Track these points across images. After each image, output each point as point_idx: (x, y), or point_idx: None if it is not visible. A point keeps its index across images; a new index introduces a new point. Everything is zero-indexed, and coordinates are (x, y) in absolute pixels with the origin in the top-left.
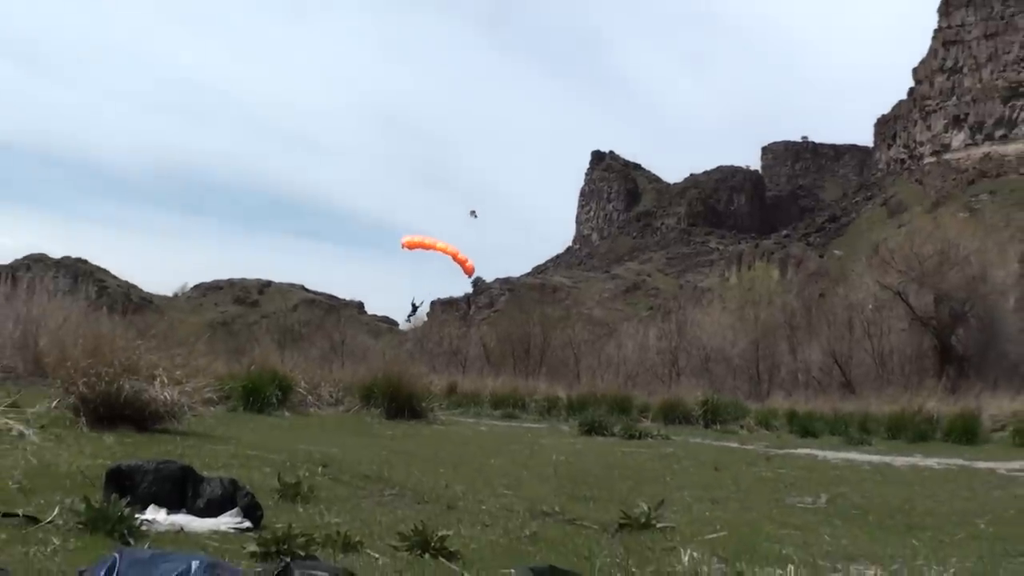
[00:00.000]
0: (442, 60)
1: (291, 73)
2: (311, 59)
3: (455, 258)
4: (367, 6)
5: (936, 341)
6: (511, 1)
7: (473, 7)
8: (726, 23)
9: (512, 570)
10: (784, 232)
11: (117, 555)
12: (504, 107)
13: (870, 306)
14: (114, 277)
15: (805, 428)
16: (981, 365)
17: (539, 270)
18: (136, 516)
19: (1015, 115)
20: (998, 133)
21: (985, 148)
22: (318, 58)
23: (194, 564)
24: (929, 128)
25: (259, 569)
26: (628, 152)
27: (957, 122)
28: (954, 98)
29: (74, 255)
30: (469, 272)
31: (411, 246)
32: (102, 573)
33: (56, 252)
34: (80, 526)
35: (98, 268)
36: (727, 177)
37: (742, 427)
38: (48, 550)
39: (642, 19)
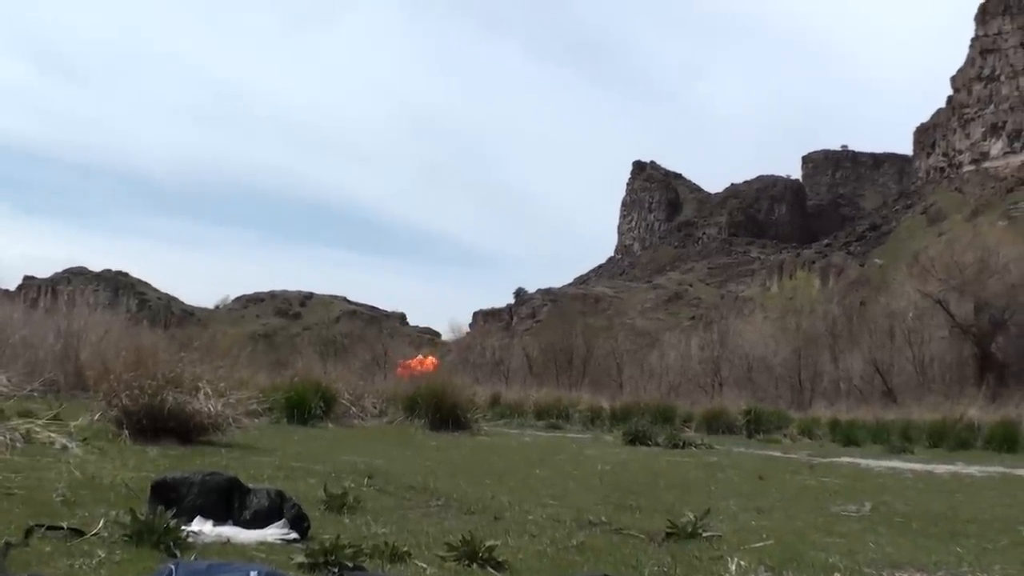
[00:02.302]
0: (483, 69)
1: (331, 81)
2: (350, 67)
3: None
4: (406, 15)
5: (976, 349)
6: (551, 9)
7: (512, 15)
8: (766, 32)
9: None
10: (825, 241)
11: (173, 566)
12: (546, 117)
13: (911, 314)
14: (155, 290)
15: (847, 437)
16: (1021, 372)
17: (581, 280)
18: (182, 528)
19: None
20: None
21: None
22: (357, 67)
23: (252, 574)
24: (968, 136)
25: None
26: (669, 162)
27: (995, 130)
28: (992, 106)
29: (114, 268)
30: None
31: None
32: None
33: (96, 265)
34: (125, 538)
35: (139, 281)
36: (768, 187)
37: (785, 436)
38: (93, 563)
39: (683, 27)
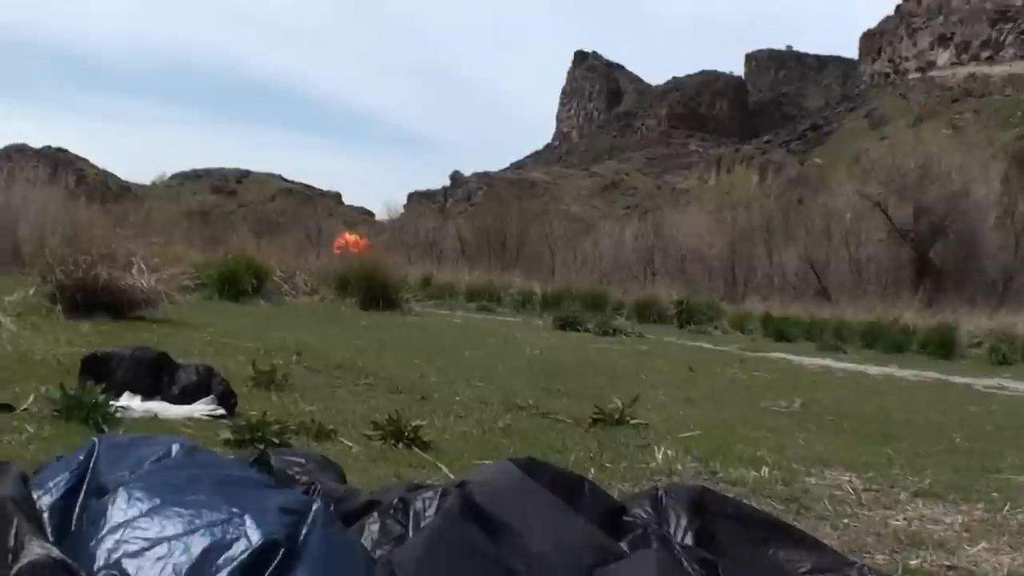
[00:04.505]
0: None
1: None
2: None
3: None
4: None
5: (914, 253)
6: None
7: None
8: None
9: (491, 462)
10: (765, 138)
11: (96, 440)
12: (488, 2)
13: (848, 215)
14: (93, 166)
15: (780, 332)
16: (959, 280)
17: (518, 166)
18: (111, 403)
19: (1002, 38)
20: (984, 54)
21: (971, 68)
22: None
23: (174, 448)
24: (915, 44)
25: (232, 455)
26: (612, 53)
27: (943, 41)
28: (941, 17)
29: (54, 145)
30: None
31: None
32: (80, 458)
33: (37, 141)
34: (55, 414)
35: (77, 157)
36: (710, 81)
37: (716, 328)
38: (23, 438)
39: None
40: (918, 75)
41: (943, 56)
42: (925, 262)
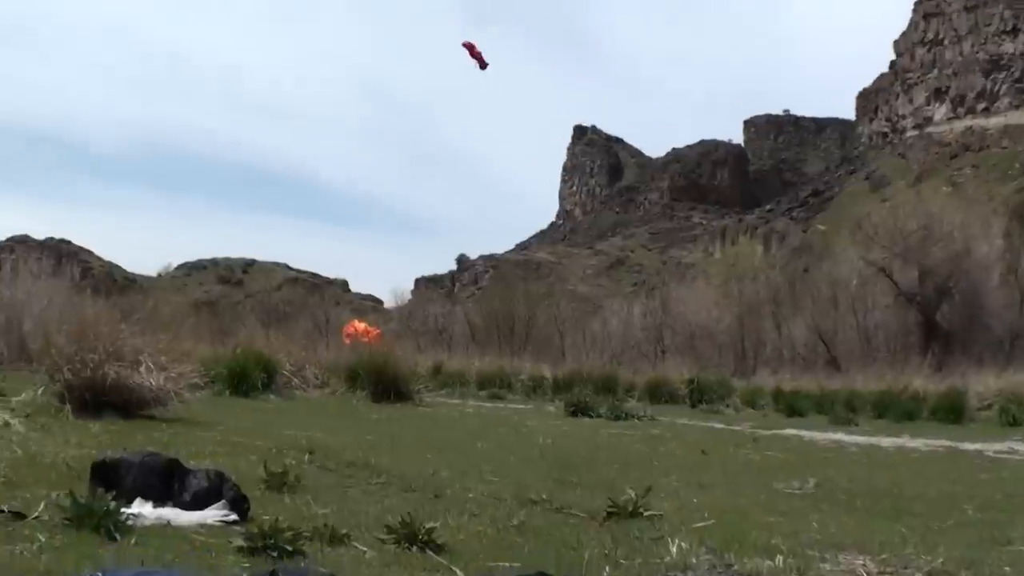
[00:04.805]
0: (422, 32)
1: (273, 46)
2: (292, 32)
3: (367, 333)
4: None
5: (921, 317)
6: None
7: None
8: None
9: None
10: (767, 207)
11: (100, 574)
12: (486, 81)
13: (854, 282)
14: (97, 258)
15: (791, 407)
16: (966, 341)
17: (523, 246)
18: (122, 511)
19: (996, 88)
20: (980, 106)
21: (967, 121)
22: (299, 31)
23: None
24: (911, 101)
25: (246, 564)
26: (611, 126)
27: (939, 95)
28: (935, 71)
29: (57, 236)
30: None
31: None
32: None
33: (39, 233)
34: (66, 522)
35: (81, 249)
36: (709, 151)
37: (728, 406)
38: (35, 548)
39: None
40: (916, 132)
41: (939, 111)
42: (932, 325)
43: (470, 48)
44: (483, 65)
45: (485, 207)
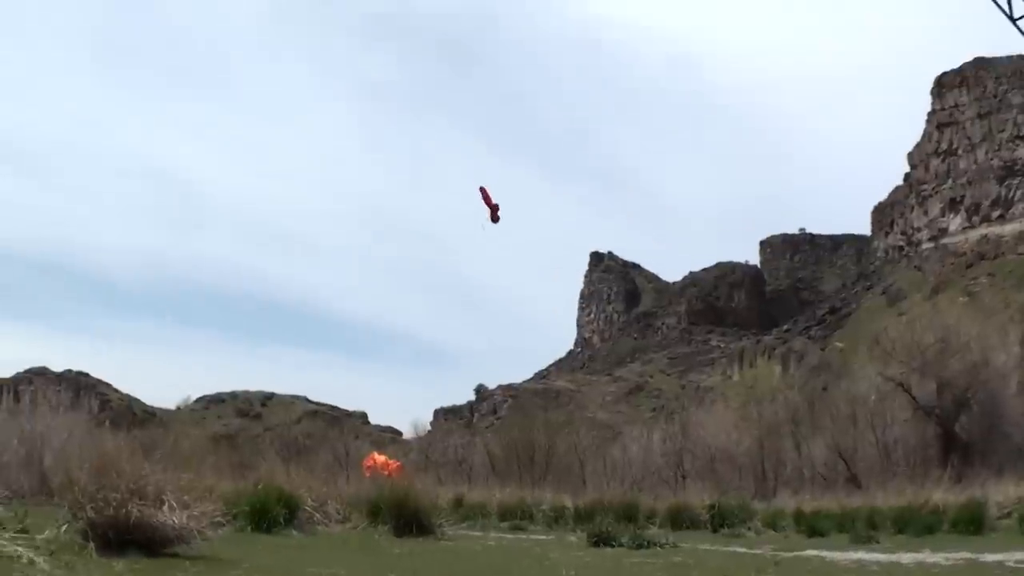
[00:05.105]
0: (438, 162)
1: (288, 178)
2: (305, 162)
3: (386, 466)
4: (355, 108)
5: (940, 430)
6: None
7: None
8: (720, 117)
9: None
10: (785, 327)
11: None
12: (501, 209)
13: (873, 398)
14: (116, 390)
15: (812, 527)
16: (985, 451)
17: (541, 375)
18: None
19: (1011, 194)
20: (995, 214)
21: (982, 230)
22: (311, 161)
23: None
24: (926, 213)
25: None
26: (627, 252)
27: (953, 205)
28: (950, 180)
29: (75, 368)
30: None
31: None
32: None
33: (58, 365)
34: None
35: (100, 381)
36: (726, 273)
37: (749, 529)
38: None
39: (637, 115)
40: (931, 244)
41: (954, 222)
42: (951, 437)
43: (485, 196)
44: (495, 219)
45: (503, 336)
